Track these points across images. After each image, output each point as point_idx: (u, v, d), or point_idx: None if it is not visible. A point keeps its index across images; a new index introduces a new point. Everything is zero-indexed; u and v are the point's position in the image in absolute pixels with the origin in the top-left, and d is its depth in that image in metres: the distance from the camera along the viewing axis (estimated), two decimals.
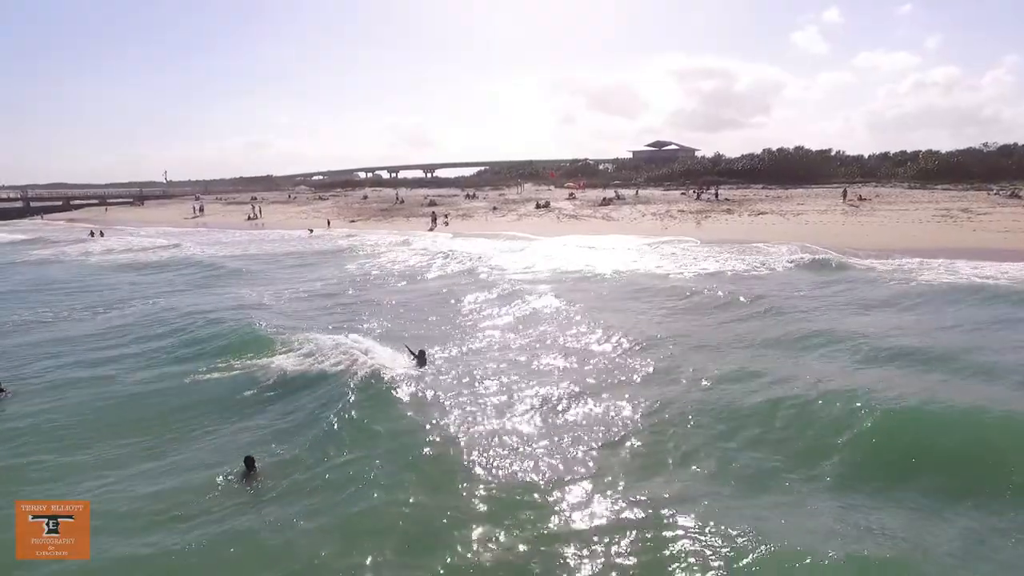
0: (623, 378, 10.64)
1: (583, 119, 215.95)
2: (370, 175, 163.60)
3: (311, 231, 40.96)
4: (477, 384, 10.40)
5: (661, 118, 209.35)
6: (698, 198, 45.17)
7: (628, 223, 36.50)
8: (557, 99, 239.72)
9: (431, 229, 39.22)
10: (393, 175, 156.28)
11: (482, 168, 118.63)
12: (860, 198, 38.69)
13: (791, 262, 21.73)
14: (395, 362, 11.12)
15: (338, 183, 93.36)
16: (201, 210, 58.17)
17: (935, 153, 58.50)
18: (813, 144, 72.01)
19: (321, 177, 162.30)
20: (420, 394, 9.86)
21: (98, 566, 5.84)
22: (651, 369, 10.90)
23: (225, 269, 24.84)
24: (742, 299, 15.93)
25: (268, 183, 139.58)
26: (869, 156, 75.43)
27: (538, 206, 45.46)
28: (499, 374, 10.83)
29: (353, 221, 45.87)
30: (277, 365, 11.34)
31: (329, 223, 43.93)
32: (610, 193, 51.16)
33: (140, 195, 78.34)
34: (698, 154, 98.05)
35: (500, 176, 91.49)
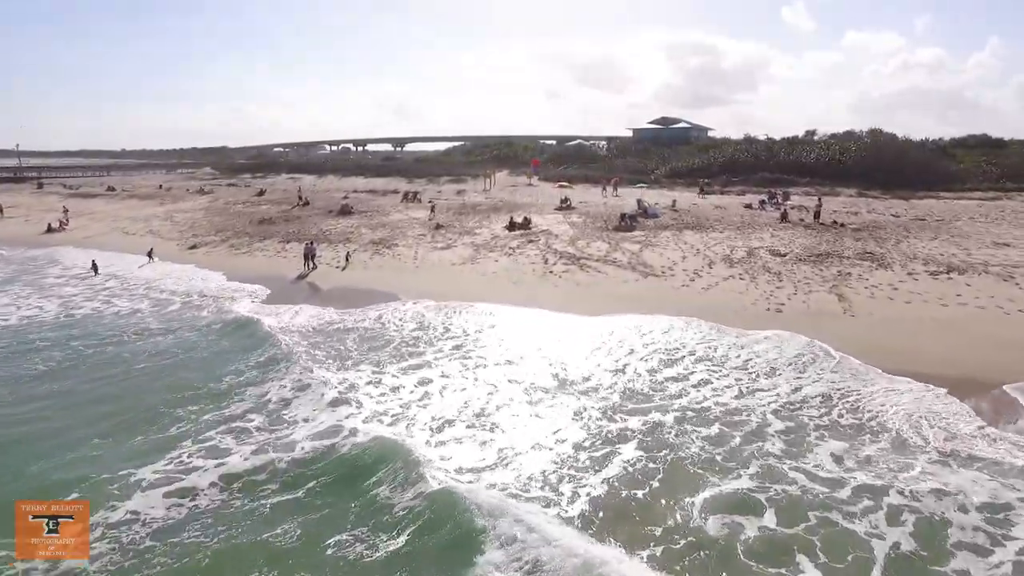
0: None
1: (570, 93, 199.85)
2: (336, 148, 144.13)
3: (96, 271, 22.11)
4: None
5: (647, 93, 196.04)
6: (784, 218, 26.84)
7: (688, 284, 18.00)
8: (545, 72, 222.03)
9: (302, 276, 20.59)
10: (360, 149, 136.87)
11: (453, 145, 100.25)
12: None
13: None
14: None
15: (248, 167, 73.04)
16: None
17: None
18: (801, 124, 54.33)
19: (280, 150, 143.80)
20: None
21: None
22: None
23: None
24: None
25: (220, 155, 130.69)
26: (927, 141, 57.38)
27: (512, 226, 26.81)
28: None
29: (193, 248, 26.17)
30: None
31: (151, 253, 24.62)
32: (629, 202, 32.64)
33: None
34: (711, 134, 79.76)
35: (471, 157, 72.12)
